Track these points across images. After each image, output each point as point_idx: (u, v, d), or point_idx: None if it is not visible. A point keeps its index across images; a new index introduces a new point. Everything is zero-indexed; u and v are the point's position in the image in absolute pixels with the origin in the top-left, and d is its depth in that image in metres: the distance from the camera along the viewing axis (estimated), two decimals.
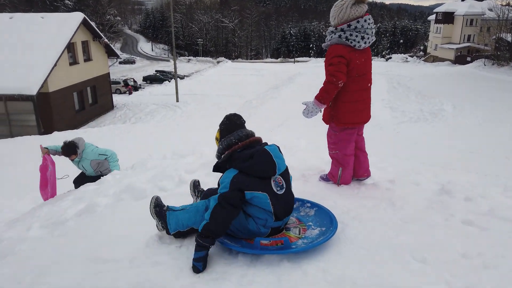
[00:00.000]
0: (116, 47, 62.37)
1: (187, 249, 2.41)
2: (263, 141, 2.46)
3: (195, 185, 2.89)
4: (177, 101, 26.06)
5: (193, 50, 74.04)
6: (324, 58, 3.12)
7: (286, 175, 2.41)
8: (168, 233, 2.47)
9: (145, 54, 71.56)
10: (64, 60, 19.31)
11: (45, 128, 17.73)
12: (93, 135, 13.07)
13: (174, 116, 22.06)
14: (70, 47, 20.05)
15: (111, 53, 25.49)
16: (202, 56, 66.94)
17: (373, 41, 2.97)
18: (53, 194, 4.91)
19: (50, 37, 18.81)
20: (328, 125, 3.26)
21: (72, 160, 5.05)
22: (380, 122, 16.61)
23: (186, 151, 4.86)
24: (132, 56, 64.34)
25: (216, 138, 2.47)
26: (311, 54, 73.70)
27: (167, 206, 2.51)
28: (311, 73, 29.57)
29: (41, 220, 3.46)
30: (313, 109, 3.04)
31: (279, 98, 25.15)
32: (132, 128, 16.99)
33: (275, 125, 13.77)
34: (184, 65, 55.09)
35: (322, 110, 3.15)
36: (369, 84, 3.10)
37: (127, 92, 33.16)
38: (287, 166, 2.43)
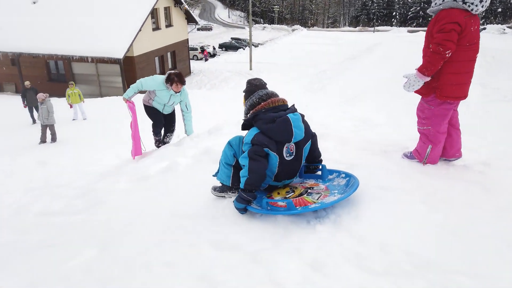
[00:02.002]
0: (195, 13, 63.79)
1: (261, 215, 2.44)
2: (292, 106, 2.61)
3: None
4: (251, 69, 26.20)
5: (269, 18, 73.18)
6: (427, 26, 2.82)
7: (301, 144, 2.55)
8: (230, 189, 2.71)
9: (221, 21, 72.33)
10: (148, 25, 20.22)
11: None
12: None
13: None
14: (153, 13, 20.91)
15: (190, 20, 26.14)
16: (278, 24, 65.95)
17: (488, 4, 2.64)
18: (137, 152, 5.14)
19: (134, 2, 19.74)
20: (420, 98, 3.01)
21: (171, 90, 4.87)
22: (468, 100, 15.19)
23: None
24: (209, 23, 65.45)
25: (244, 104, 2.70)
26: (394, 23, 68.78)
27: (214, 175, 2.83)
28: (392, 43, 27.66)
29: (128, 174, 3.74)
30: (415, 82, 2.83)
31: (356, 69, 24.03)
32: (208, 94, 17.52)
33: (350, 97, 13.21)
34: (259, 32, 54.84)
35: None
36: (477, 55, 2.79)
37: (204, 58, 34.06)
38: (306, 136, 2.55)
